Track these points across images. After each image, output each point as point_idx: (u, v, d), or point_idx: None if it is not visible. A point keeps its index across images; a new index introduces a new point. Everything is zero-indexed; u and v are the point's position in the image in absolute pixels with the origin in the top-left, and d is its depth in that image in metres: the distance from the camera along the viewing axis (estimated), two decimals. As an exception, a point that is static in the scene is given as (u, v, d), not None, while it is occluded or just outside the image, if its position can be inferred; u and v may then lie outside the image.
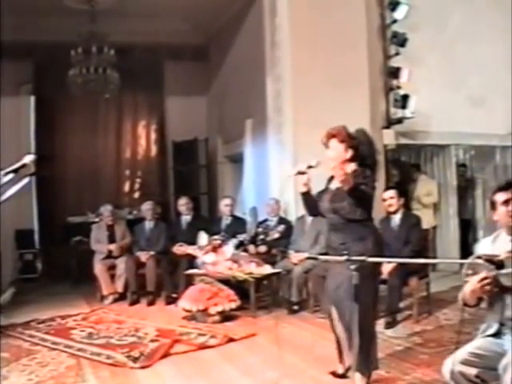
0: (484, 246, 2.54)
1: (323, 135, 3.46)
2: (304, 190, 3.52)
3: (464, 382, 2.30)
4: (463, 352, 2.38)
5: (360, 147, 3.39)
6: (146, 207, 6.99)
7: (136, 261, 6.57)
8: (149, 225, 6.89)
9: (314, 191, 3.64)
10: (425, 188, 7.63)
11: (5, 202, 2.35)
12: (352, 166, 3.36)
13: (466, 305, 2.42)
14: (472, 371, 2.30)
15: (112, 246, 6.78)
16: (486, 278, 2.28)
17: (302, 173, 3.45)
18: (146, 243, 6.75)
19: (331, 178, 3.55)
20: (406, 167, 8.18)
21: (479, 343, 2.44)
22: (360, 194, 3.27)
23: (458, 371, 2.30)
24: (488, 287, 2.29)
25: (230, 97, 8.75)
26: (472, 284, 2.32)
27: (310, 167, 3.42)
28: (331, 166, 3.37)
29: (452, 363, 2.34)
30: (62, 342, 4.74)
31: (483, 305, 2.50)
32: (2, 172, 2.40)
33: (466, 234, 8.20)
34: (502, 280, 2.29)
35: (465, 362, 2.32)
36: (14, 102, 8.52)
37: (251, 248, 6.33)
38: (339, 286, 3.34)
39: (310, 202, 3.58)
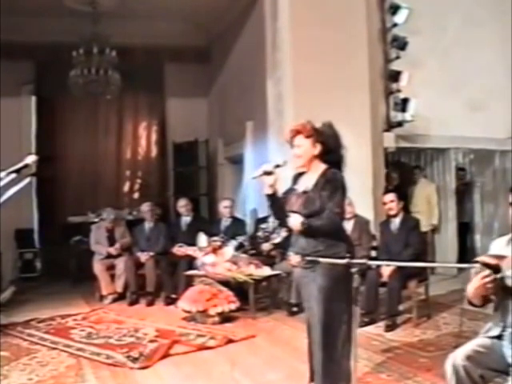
0: (498, 246, 2.49)
1: (287, 133, 3.21)
2: (270, 192, 3.15)
3: (466, 380, 2.29)
4: (467, 348, 2.38)
5: (327, 141, 3.12)
6: (146, 208, 7.00)
7: (135, 261, 6.58)
8: (148, 225, 6.90)
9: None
10: (423, 192, 7.65)
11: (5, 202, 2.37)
12: (322, 165, 3.13)
13: (471, 304, 2.39)
14: (475, 367, 2.30)
15: (111, 249, 6.77)
16: (488, 276, 2.24)
17: (268, 173, 3.13)
18: (145, 244, 6.76)
19: (297, 178, 3.29)
20: (406, 170, 8.20)
21: (483, 342, 2.43)
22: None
23: (462, 365, 2.30)
24: (490, 285, 2.26)
25: (230, 99, 8.76)
26: (476, 280, 2.29)
27: (277, 166, 3.14)
28: (299, 164, 3.18)
29: (455, 358, 2.34)
30: (62, 342, 4.75)
31: (489, 310, 2.50)
32: (4, 172, 2.42)
33: (465, 237, 8.23)
34: (508, 282, 2.26)
35: (468, 358, 2.32)
36: (15, 103, 8.55)
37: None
38: (310, 296, 3.16)
39: (276, 204, 3.23)
